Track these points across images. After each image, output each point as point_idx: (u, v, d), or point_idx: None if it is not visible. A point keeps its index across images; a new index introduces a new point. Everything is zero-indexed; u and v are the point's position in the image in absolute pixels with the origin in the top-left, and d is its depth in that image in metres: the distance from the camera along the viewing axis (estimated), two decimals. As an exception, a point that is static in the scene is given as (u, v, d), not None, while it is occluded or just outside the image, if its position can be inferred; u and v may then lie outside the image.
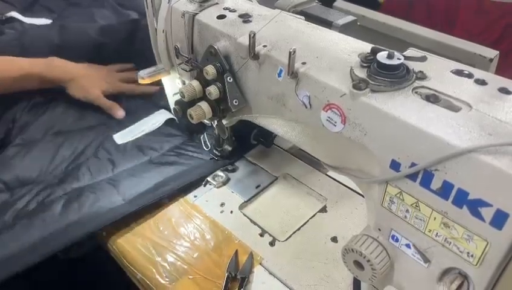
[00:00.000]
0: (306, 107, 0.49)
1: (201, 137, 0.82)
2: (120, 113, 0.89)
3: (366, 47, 0.50)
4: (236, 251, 0.65)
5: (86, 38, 0.93)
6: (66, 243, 0.63)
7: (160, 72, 0.69)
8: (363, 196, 0.73)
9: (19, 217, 0.67)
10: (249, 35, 0.50)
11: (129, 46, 0.97)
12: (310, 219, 0.70)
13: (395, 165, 0.42)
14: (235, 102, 0.56)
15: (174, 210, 0.72)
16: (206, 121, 0.75)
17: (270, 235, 0.67)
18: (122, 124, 0.88)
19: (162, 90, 0.90)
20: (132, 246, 0.67)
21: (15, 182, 0.75)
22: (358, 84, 0.43)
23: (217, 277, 0.62)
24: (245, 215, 0.71)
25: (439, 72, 0.45)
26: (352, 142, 0.46)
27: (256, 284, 0.61)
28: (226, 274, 0.61)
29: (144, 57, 0.99)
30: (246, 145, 0.84)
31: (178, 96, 0.77)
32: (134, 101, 0.94)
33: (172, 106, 0.78)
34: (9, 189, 0.74)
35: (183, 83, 0.71)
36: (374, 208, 0.48)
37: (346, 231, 0.67)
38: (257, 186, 0.76)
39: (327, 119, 0.47)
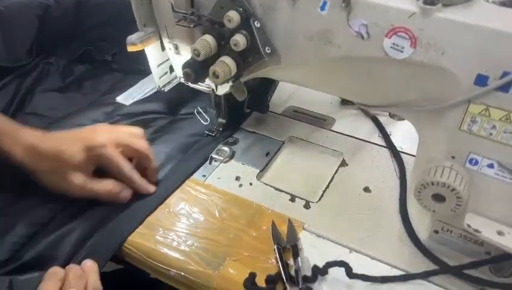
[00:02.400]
0: (363, 38, 0.44)
1: (195, 111, 0.73)
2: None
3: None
4: (273, 221, 0.59)
5: (29, 17, 0.77)
6: None
7: (150, 37, 0.59)
8: (376, 144, 0.72)
9: None
10: (288, -35, 0.44)
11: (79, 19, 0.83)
12: (334, 175, 0.66)
13: (481, 80, 0.40)
14: (268, 49, 0.50)
15: (186, 194, 0.64)
16: (202, 87, 0.67)
17: (301, 198, 0.63)
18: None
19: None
20: (153, 241, 0.57)
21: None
22: (429, 0, 0.40)
23: (263, 252, 0.55)
24: (267, 185, 0.65)
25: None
26: (422, 67, 0.43)
27: (308, 250, 0.55)
28: (275, 246, 0.55)
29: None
30: (239, 115, 0.77)
31: (164, 69, 0.68)
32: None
33: (158, 78, 0.68)
34: None
35: (176, 48, 0.62)
36: (445, 136, 0.46)
37: (375, 180, 0.65)
38: (267, 154, 0.71)
39: (391, 46, 0.43)
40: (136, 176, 0.60)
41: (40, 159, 0.56)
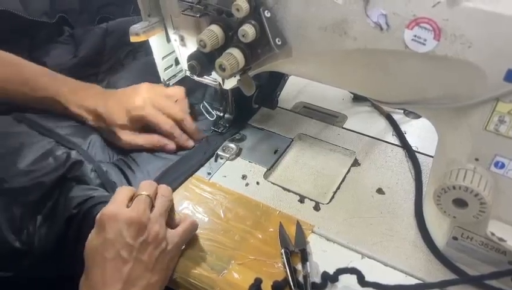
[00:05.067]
0: (381, 29, 0.41)
1: (201, 106, 0.70)
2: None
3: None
4: (281, 223, 0.56)
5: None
6: None
7: (154, 27, 0.56)
8: (390, 143, 0.69)
9: None
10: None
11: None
12: (346, 175, 0.63)
13: (512, 76, 0.36)
14: (278, 41, 0.46)
15: (189, 193, 0.61)
16: (209, 81, 0.64)
17: (311, 199, 0.59)
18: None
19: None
20: (154, 242, 0.54)
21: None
22: (457, -12, 0.37)
23: (270, 255, 0.52)
24: (274, 184, 0.62)
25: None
26: (446, 62, 0.39)
27: (318, 255, 0.52)
28: (283, 250, 0.52)
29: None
30: (247, 110, 0.74)
31: (169, 61, 0.65)
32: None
33: (162, 71, 0.65)
34: None
35: (181, 39, 0.59)
36: (468, 137, 0.42)
37: (389, 181, 0.62)
38: (275, 152, 0.68)
39: (413, 39, 0.40)
40: (176, 131, 0.64)
41: (99, 120, 0.64)
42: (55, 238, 0.54)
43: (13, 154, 0.56)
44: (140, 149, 0.64)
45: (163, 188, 0.52)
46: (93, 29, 0.76)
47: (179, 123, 0.65)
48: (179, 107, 0.65)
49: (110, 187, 0.58)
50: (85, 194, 0.55)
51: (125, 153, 0.64)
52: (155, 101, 0.63)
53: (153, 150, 0.64)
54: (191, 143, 0.66)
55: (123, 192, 0.50)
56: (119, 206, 0.48)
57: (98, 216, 0.47)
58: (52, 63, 0.71)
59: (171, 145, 0.65)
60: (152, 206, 0.50)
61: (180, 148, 0.65)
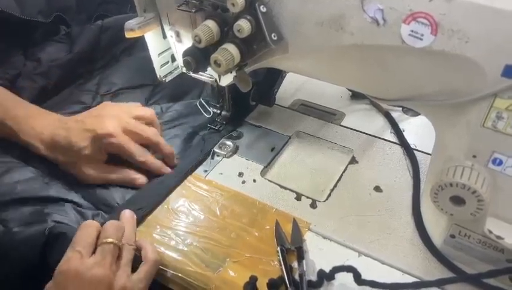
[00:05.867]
0: (378, 24, 0.41)
1: (198, 103, 0.70)
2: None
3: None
4: (277, 221, 0.55)
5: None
6: None
7: (150, 23, 0.56)
8: (388, 141, 0.68)
9: None
10: None
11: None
12: (343, 173, 0.63)
13: (510, 72, 0.36)
14: (274, 36, 0.46)
15: (186, 190, 0.60)
16: (205, 77, 0.63)
17: (308, 197, 0.59)
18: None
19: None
20: (149, 239, 0.54)
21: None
22: (454, -19, 0.36)
23: (266, 253, 0.52)
24: (271, 182, 0.61)
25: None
26: (444, 57, 0.39)
27: (314, 252, 0.52)
28: (279, 248, 0.51)
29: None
30: (244, 107, 0.73)
31: (165, 58, 0.65)
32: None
33: (158, 68, 0.64)
34: None
35: (177, 35, 0.58)
36: (466, 134, 0.42)
37: (387, 178, 0.61)
38: (272, 149, 0.67)
39: (410, 34, 0.39)
40: (149, 160, 0.59)
41: (57, 151, 0.57)
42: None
43: None
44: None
45: (128, 231, 0.50)
46: (89, 26, 0.76)
47: (153, 146, 0.60)
48: (152, 130, 0.60)
49: (102, 204, 0.57)
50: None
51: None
52: (126, 125, 0.57)
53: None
54: (167, 169, 0.60)
55: (86, 235, 0.46)
56: (83, 260, 0.44)
57: (57, 271, 0.43)
58: (47, 59, 0.70)
59: (142, 179, 0.59)
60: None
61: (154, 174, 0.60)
